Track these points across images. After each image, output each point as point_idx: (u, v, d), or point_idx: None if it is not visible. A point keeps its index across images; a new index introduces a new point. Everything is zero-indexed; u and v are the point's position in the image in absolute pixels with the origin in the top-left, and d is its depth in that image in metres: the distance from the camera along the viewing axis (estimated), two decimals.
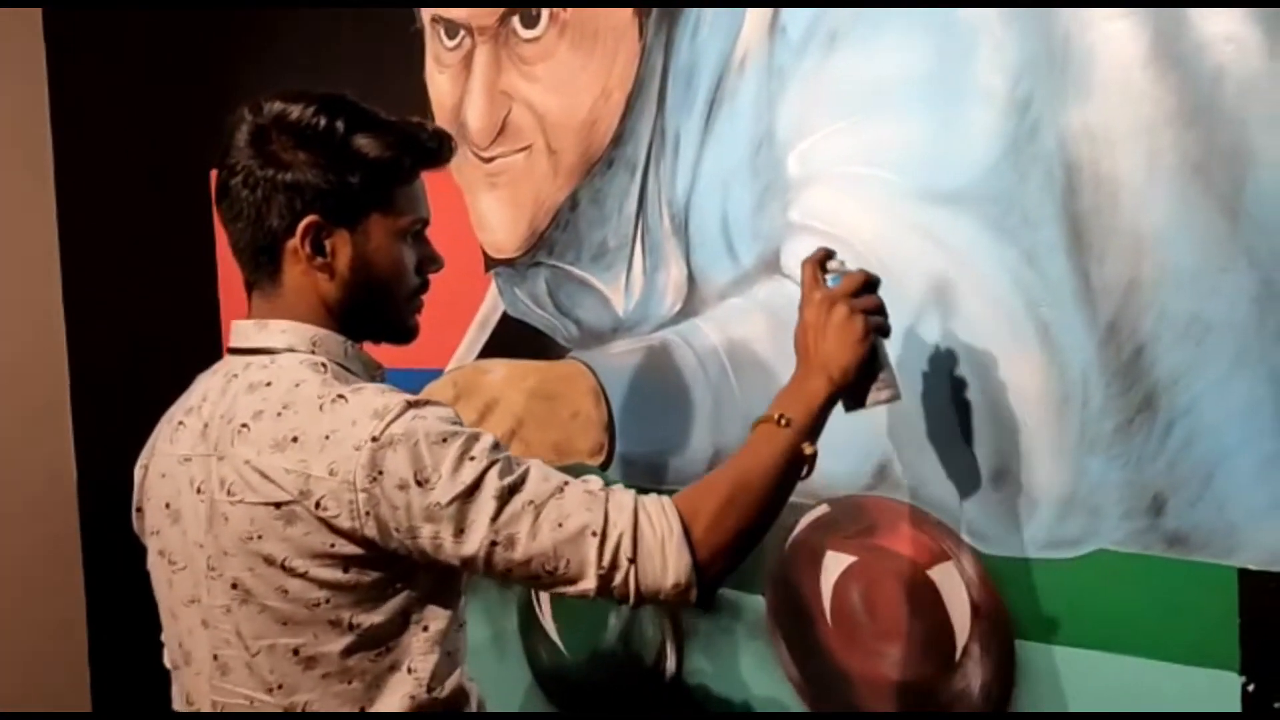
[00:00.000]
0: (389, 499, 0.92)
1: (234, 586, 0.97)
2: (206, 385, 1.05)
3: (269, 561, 0.95)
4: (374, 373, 1.06)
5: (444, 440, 0.93)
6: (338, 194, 0.99)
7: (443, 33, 1.56)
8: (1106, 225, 1.04)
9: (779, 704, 1.32)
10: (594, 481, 0.97)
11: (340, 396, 0.95)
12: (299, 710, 0.98)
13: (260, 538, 0.95)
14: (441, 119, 1.59)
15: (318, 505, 0.93)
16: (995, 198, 1.10)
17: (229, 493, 0.97)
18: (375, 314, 1.05)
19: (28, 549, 2.24)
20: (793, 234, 1.26)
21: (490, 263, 1.57)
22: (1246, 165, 0.96)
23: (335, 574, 0.95)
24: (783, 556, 1.30)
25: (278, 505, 0.94)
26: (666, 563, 0.94)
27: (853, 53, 1.19)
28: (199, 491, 1.00)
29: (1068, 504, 1.08)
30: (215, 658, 1.01)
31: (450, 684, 1.01)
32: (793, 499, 1.27)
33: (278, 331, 1.02)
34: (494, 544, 0.92)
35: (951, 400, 1.16)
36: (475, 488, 0.92)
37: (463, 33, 1.53)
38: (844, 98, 1.20)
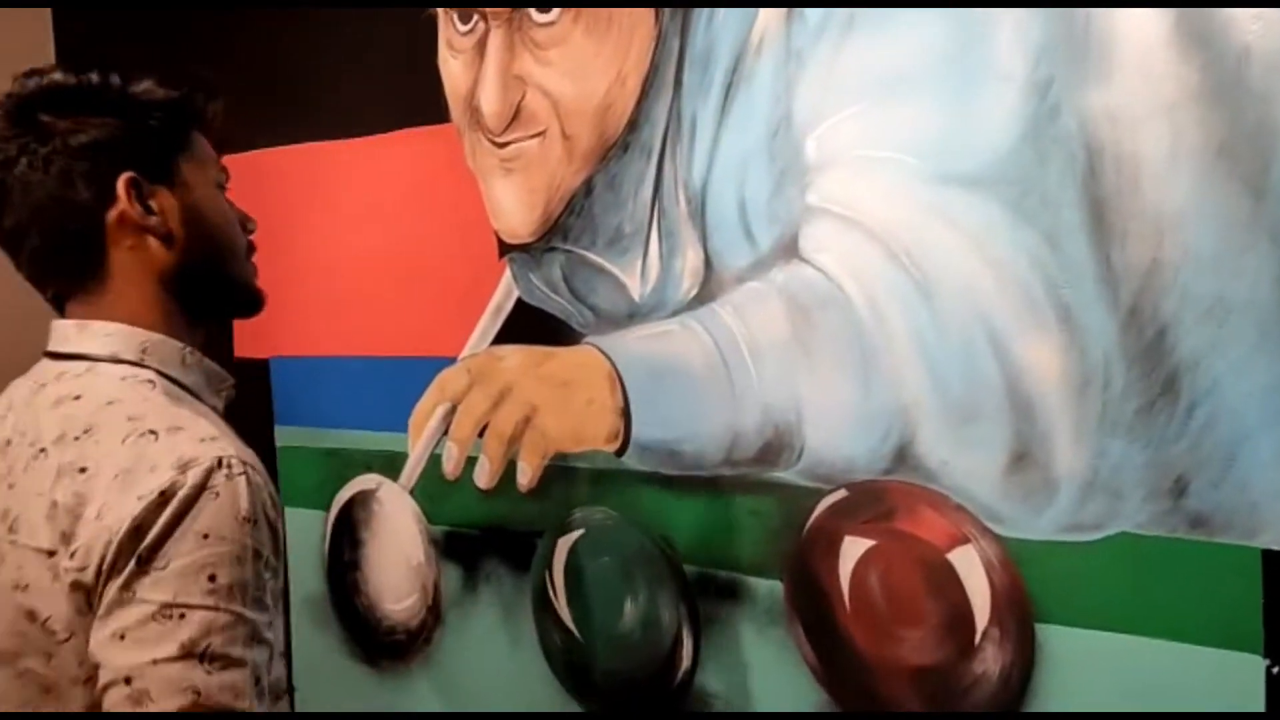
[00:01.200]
0: (128, 552, 0.77)
1: (29, 617, 0.83)
2: (12, 395, 0.93)
3: (30, 618, 0.81)
4: (220, 386, 0.96)
5: (240, 558, 0.77)
6: (143, 143, 0.89)
7: (456, 18, 1.55)
8: (1128, 207, 1.04)
9: (796, 689, 1.32)
10: None
11: (151, 432, 0.82)
12: None
13: (27, 589, 0.81)
14: (455, 105, 1.58)
15: (72, 555, 0.79)
16: (1014, 180, 1.10)
17: (10, 529, 0.84)
18: (218, 277, 0.95)
19: None
20: (811, 217, 1.25)
21: (504, 249, 1.57)
22: (1273, 145, 0.96)
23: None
24: (801, 541, 1.30)
25: (51, 553, 0.80)
26: None
27: (870, 35, 1.19)
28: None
29: (1089, 486, 1.08)
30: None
31: None
32: (810, 484, 1.29)
33: (101, 335, 0.88)
34: (116, 685, 0.75)
35: (970, 383, 1.15)
36: (201, 634, 0.75)
37: (476, 18, 1.52)
38: (862, 81, 1.20)
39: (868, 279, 1.22)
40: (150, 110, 0.92)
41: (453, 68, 1.58)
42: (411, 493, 1.66)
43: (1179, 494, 1.03)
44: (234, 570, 0.77)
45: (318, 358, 1.79)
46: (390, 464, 1.68)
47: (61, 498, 0.80)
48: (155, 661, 0.74)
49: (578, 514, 1.54)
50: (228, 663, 0.76)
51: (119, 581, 0.76)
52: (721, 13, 1.31)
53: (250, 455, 0.85)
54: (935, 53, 1.14)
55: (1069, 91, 1.06)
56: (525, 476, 1.57)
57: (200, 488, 0.78)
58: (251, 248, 1.01)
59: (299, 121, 1.78)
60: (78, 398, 0.85)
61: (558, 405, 1.51)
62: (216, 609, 0.76)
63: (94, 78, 0.90)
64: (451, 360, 1.62)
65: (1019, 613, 1.14)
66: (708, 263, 1.36)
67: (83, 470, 0.80)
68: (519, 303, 1.57)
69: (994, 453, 1.14)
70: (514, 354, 1.57)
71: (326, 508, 1.78)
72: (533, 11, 1.46)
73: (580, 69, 1.43)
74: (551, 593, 1.56)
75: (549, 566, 1.56)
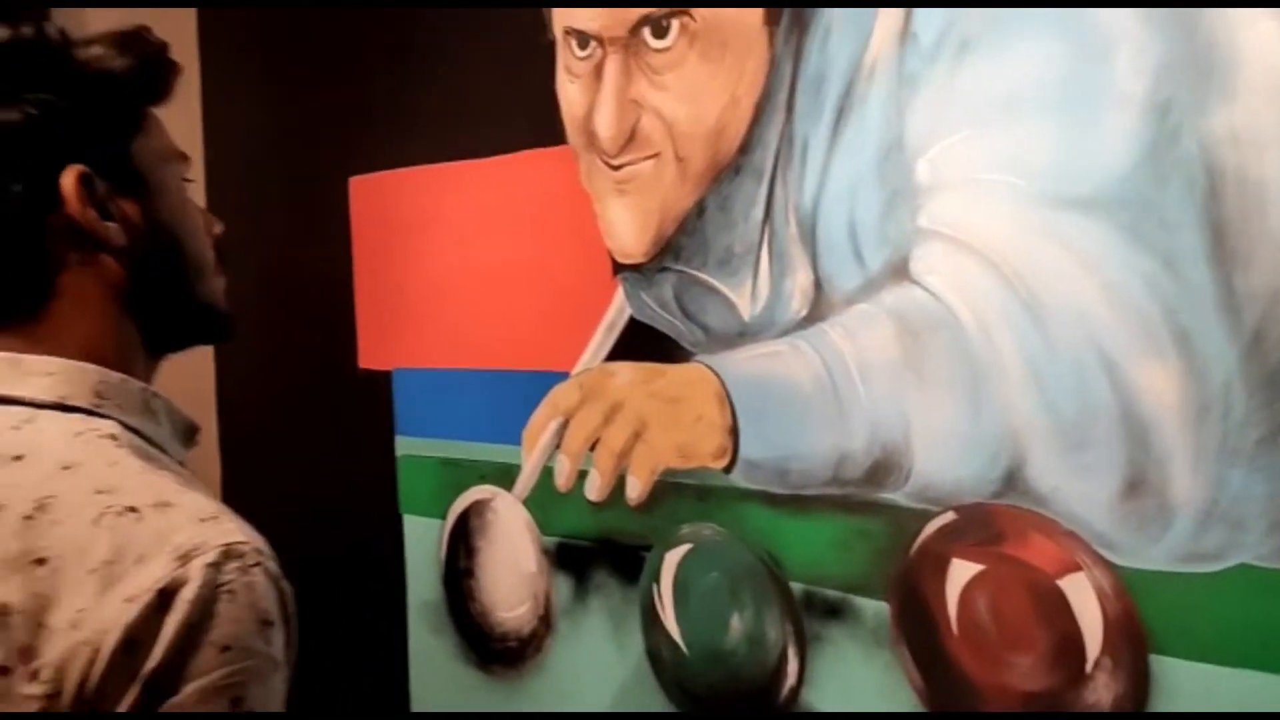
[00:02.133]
0: (123, 672, 0.60)
1: None
2: None
3: None
4: (190, 434, 0.78)
5: (234, 651, 0.61)
6: (96, 125, 0.71)
7: (574, 44, 1.60)
8: (1252, 231, 1.01)
9: (902, 710, 1.32)
10: None
11: (131, 510, 0.63)
12: None
13: None
14: (572, 128, 1.63)
15: (34, 676, 0.60)
16: (1131, 203, 1.08)
17: None
18: (187, 299, 0.78)
19: None
20: (921, 239, 1.26)
21: (617, 267, 1.61)
22: None
23: None
24: (908, 563, 1.30)
25: (2, 670, 0.60)
26: None
27: (985, 59, 1.19)
28: None
29: (1208, 516, 1.06)
30: None
31: None
32: (918, 506, 1.29)
33: (40, 374, 0.68)
34: None
35: (1083, 407, 1.14)
36: None
37: (594, 43, 1.57)
38: (975, 104, 1.20)
39: (978, 301, 1.21)
40: (104, 83, 0.72)
41: (570, 92, 1.63)
42: (525, 503, 1.71)
43: None
44: (258, 690, 0.62)
45: (438, 370, 1.85)
46: (505, 475, 1.73)
47: (14, 598, 0.60)
48: None
49: (686, 529, 1.56)
50: None
51: (121, 708, 0.60)
52: (835, 37, 1.32)
53: (257, 537, 0.67)
54: (1051, 75, 1.13)
55: (1190, 113, 1.04)
56: (635, 491, 1.60)
57: (212, 586, 0.62)
58: (219, 255, 0.83)
59: (423, 144, 1.85)
60: (19, 458, 0.64)
61: (667, 422, 1.54)
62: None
63: (29, 30, 0.69)
64: (565, 375, 1.66)
65: (1133, 643, 1.12)
66: (817, 284, 1.37)
67: (40, 562, 0.61)
68: (631, 320, 1.60)
69: (1107, 479, 1.12)
70: (625, 370, 1.60)
71: (443, 516, 1.84)
72: (649, 37, 1.49)
73: (695, 93, 1.46)
74: (659, 606, 1.59)
75: (657, 580, 1.59)
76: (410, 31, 1.88)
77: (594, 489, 1.63)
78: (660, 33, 1.48)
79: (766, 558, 1.46)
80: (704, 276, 1.50)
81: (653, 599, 1.60)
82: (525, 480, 1.69)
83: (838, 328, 1.36)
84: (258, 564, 0.64)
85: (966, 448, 1.24)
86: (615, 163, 1.57)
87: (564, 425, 1.60)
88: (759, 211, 1.42)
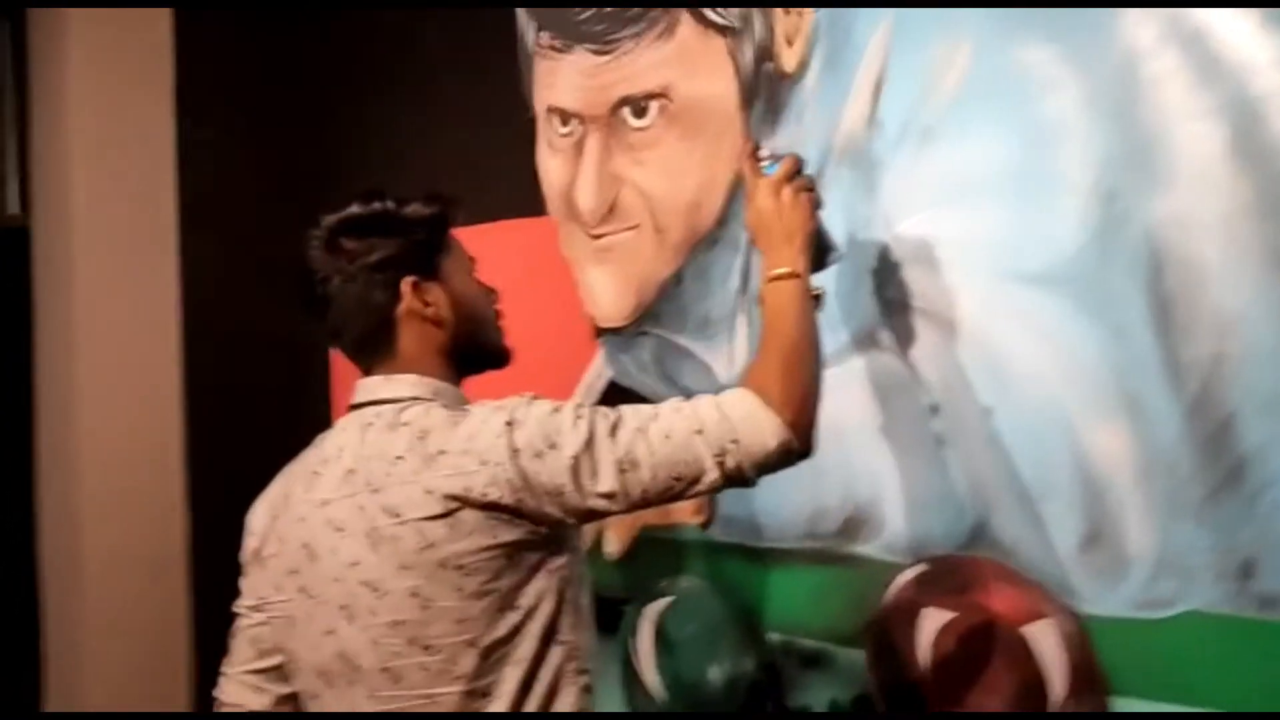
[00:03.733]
0: (533, 469, 1.08)
1: (413, 595, 1.10)
2: (340, 440, 1.18)
3: (443, 565, 1.09)
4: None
5: (556, 410, 1.11)
6: (416, 253, 1.18)
7: (556, 121, 1.68)
8: (1192, 305, 1.11)
9: None
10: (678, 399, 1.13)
11: (464, 409, 1.14)
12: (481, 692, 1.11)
13: (433, 546, 1.09)
14: (552, 199, 1.71)
15: (482, 494, 1.07)
16: (1081, 278, 1.18)
17: (395, 515, 1.10)
18: (480, 342, 1.23)
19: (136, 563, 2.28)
20: (889, 310, 1.35)
21: (597, 331, 1.68)
22: None
23: (501, 562, 1.09)
24: (883, 611, 1.37)
25: (445, 514, 1.08)
26: (762, 431, 1.08)
27: (945, 145, 1.29)
28: (338, 530, 1.13)
29: (1159, 565, 1.14)
30: (385, 670, 1.12)
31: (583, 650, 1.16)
32: (890, 558, 1.36)
33: (405, 385, 1.17)
34: (623, 471, 1.08)
35: (1043, 465, 1.23)
36: (591, 436, 1.08)
37: (575, 121, 1.65)
38: (937, 187, 1.30)
39: (942, 368, 1.30)
40: (419, 226, 1.19)
41: (550, 165, 1.70)
42: None
43: (1247, 575, 1.09)
44: (577, 407, 1.12)
45: None
46: None
47: (436, 475, 1.09)
48: (614, 450, 1.09)
49: (664, 583, 1.61)
50: (621, 415, 1.12)
51: (559, 469, 1.08)
52: (808, 118, 1.42)
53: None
54: (1006, 163, 1.23)
55: (1134, 200, 1.14)
56: (613, 546, 1.66)
57: (526, 404, 1.13)
58: (499, 312, 1.27)
59: None
60: (406, 424, 1.13)
61: None
62: (596, 415, 1.11)
63: (377, 205, 1.19)
64: None
65: (1094, 685, 1.20)
66: None
67: (442, 453, 1.10)
68: (611, 382, 1.67)
69: (1067, 531, 1.21)
70: None
71: None
72: (629, 117, 1.58)
73: (673, 169, 1.55)
74: (637, 659, 1.64)
75: (636, 632, 1.64)
76: (394, 105, 1.95)
77: None
78: (640, 113, 1.57)
79: (743, 609, 1.52)
80: (682, 341, 1.58)
81: (630, 650, 1.64)
82: None
83: None
84: (534, 399, 1.14)
85: (935, 503, 1.32)
86: (595, 232, 1.64)
87: None
88: (735, 280, 1.51)
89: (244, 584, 1.25)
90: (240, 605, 1.24)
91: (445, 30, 1.89)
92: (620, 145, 1.60)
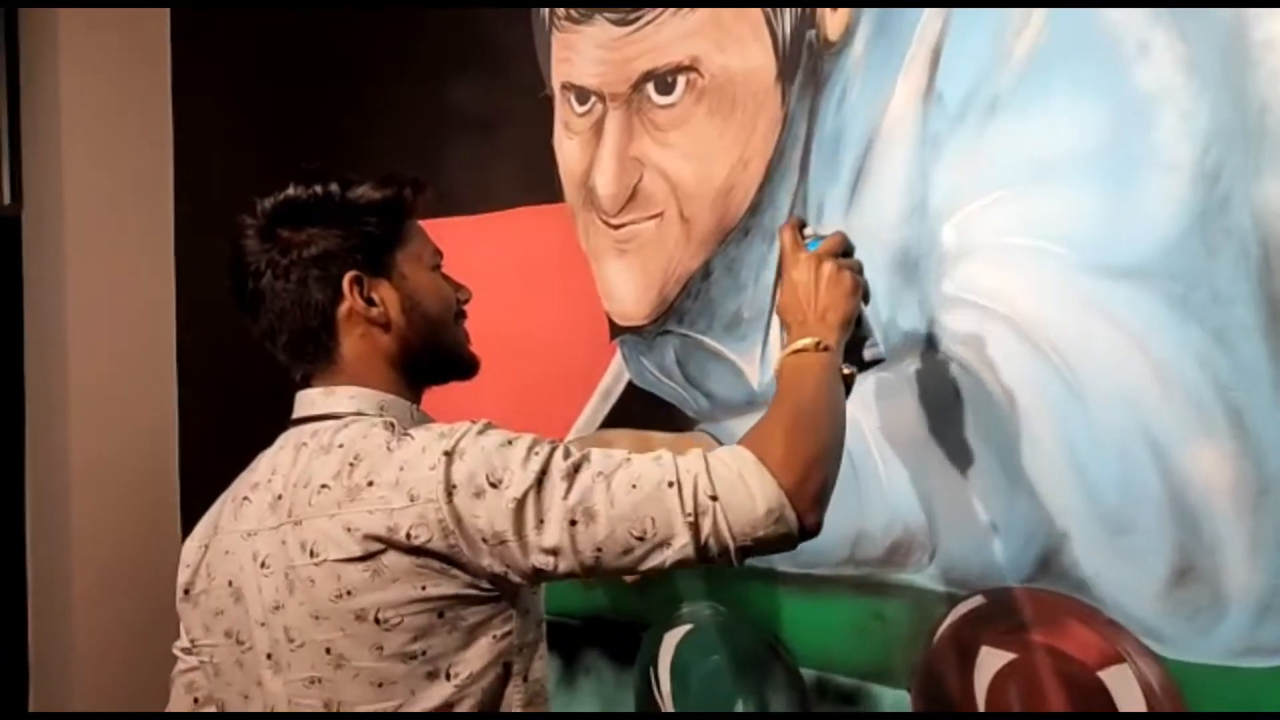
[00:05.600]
0: (470, 510, 0.93)
1: (327, 652, 0.96)
2: (274, 460, 1.06)
3: (360, 618, 0.95)
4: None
5: (509, 443, 0.95)
6: (362, 245, 1.04)
7: (573, 99, 1.55)
8: None
9: None
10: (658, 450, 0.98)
11: (406, 434, 0.99)
12: None
13: (350, 594, 0.95)
14: (569, 185, 1.57)
15: (408, 536, 0.93)
16: (1179, 274, 1.03)
17: (311, 554, 0.97)
18: (436, 351, 1.08)
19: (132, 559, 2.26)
20: (947, 306, 1.20)
21: (615, 330, 1.54)
22: None
23: (430, 619, 0.95)
24: (931, 650, 1.23)
25: (366, 557, 0.94)
26: (751, 491, 0.91)
27: (1015, 120, 1.14)
28: (263, 566, 1.01)
29: (1266, 608, 1.00)
30: None
31: None
32: (944, 589, 1.22)
33: (345, 398, 1.04)
34: (573, 522, 0.91)
35: (1127, 489, 1.08)
36: (543, 474, 0.93)
37: (594, 99, 1.52)
38: (1006, 167, 1.15)
39: (1010, 374, 1.16)
40: (368, 213, 1.05)
41: (568, 148, 1.57)
42: None
43: None
44: (535, 441, 0.97)
45: None
46: None
47: (359, 511, 0.95)
48: (567, 495, 0.94)
49: (686, 609, 1.48)
50: (587, 455, 0.99)
51: (499, 512, 0.93)
52: (854, 95, 1.28)
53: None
54: (1088, 139, 1.09)
55: (1241, 182, 0.99)
56: None
57: (474, 434, 0.97)
58: (461, 314, 1.12)
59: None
60: (341, 445, 0.99)
61: None
62: (554, 450, 0.97)
63: (318, 189, 1.04)
64: None
65: None
66: None
67: (370, 484, 0.96)
68: (630, 386, 1.54)
69: (1154, 566, 1.06)
70: (622, 439, 1.52)
71: None
72: (653, 93, 1.44)
73: (701, 151, 1.41)
74: (656, 690, 1.50)
75: (654, 662, 1.51)
76: (402, 81, 1.83)
77: None
78: (665, 89, 1.43)
79: (774, 641, 1.38)
80: (710, 341, 1.44)
81: (650, 682, 1.51)
82: None
83: (854, 398, 1.28)
84: (488, 426, 0.99)
85: (997, 528, 1.17)
86: (615, 221, 1.51)
87: None
88: (770, 274, 1.36)
89: (182, 622, 1.12)
90: (176, 647, 1.13)
91: (455, 5, 1.76)
92: (643, 125, 1.47)
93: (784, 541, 0.94)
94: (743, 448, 0.95)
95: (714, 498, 0.91)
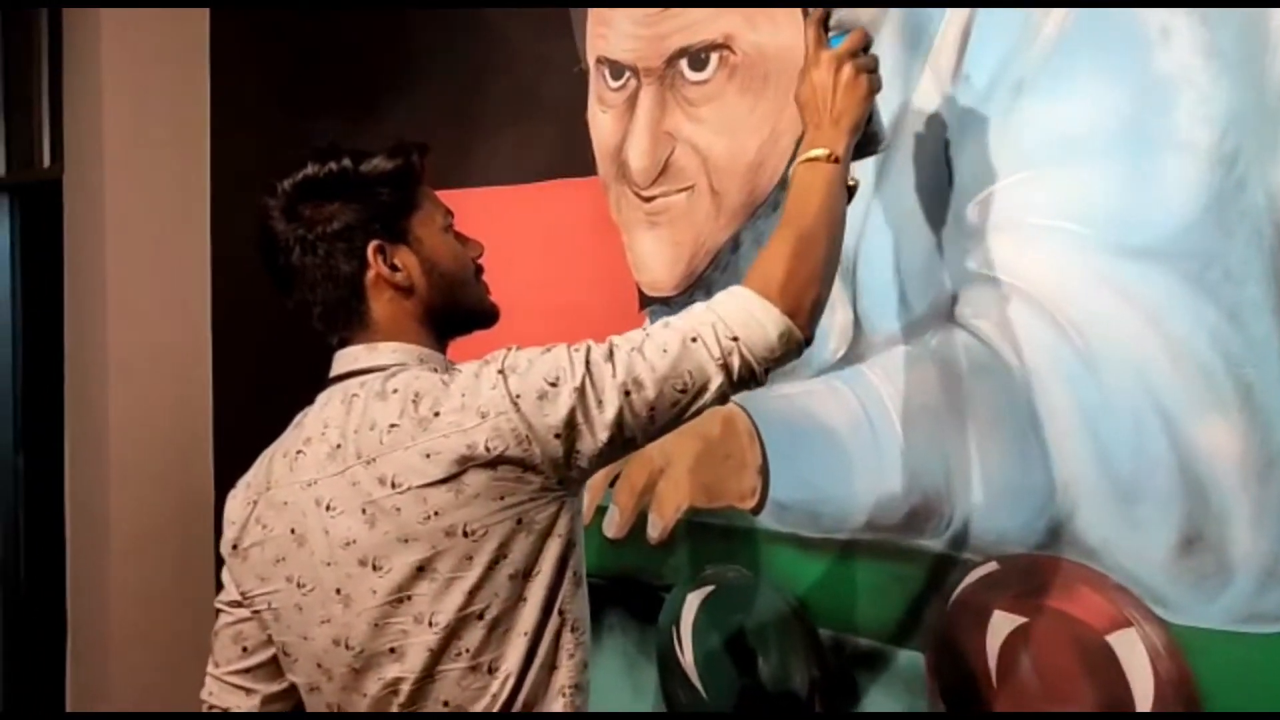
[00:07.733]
0: (539, 412, 1.02)
1: (419, 570, 1.04)
2: (322, 415, 1.12)
3: (450, 534, 1.03)
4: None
5: (547, 350, 1.06)
6: (380, 215, 1.11)
7: (608, 73, 1.58)
8: None
9: None
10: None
11: (452, 369, 1.10)
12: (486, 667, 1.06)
13: (438, 514, 1.03)
14: (602, 158, 1.60)
15: (486, 449, 1.02)
16: (1195, 253, 1.06)
17: (393, 485, 1.04)
18: (458, 305, 1.16)
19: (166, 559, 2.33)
20: (970, 282, 1.23)
21: (645, 301, 1.58)
22: None
23: (511, 526, 1.04)
24: (946, 613, 1.27)
25: (449, 479, 1.03)
26: (761, 321, 1.04)
27: (1041, 101, 1.17)
28: (328, 509, 1.08)
29: (1270, 575, 1.03)
30: (390, 651, 1.07)
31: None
32: (959, 554, 1.26)
33: (388, 351, 1.12)
34: (627, 393, 1.03)
35: (1138, 460, 1.11)
36: (588, 364, 1.04)
37: (628, 74, 1.55)
38: (1030, 147, 1.18)
39: (1029, 349, 1.19)
40: (381, 184, 1.12)
41: (602, 122, 1.60)
42: None
43: None
44: (565, 345, 1.06)
45: None
46: None
47: (434, 438, 1.03)
48: (615, 374, 1.04)
49: (709, 570, 1.52)
50: (612, 342, 1.07)
51: (564, 405, 1.02)
52: (884, 71, 1.30)
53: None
54: (1110, 121, 1.11)
55: (1258, 165, 1.02)
56: (656, 529, 1.56)
57: (514, 352, 1.07)
58: (479, 269, 1.19)
59: (445, 168, 1.81)
60: (395, 391, 1.07)
61: (694, 460, 1.51)
62: (588, 347, 1.06)
63: (334, 166, 1.11)
64: None
65: (1186, 705, 1.09)
66: (856, 323, 1.35)
67: (437, 414, 1.04)
68: None
69: (1162, 534, 1.10)
70: None
71: None
72: (686, 69, 1.47)
73: (732, 126, 1.44)
74: (678, 648, 1.55)
75: (677, 621, 1.55)
76: (434, 51, 1.86)
77: (612, 525, 1.59)
78: (698, 65, 1.46)
79: (794, 602, 1.42)
80: None
81: (672, 641, 1.55)
82: None
83: (877, 369, 1.33)
84: (517, 348, 1.08)
85: (1012, 497, 1.21)
86: (646, 194, 1.54)
87: None
88: None
89: (225, 577, 1.17)
90: (220, 601, 1.17)
91: None
92: (676, 100, 1.50)
93: (796, 353, 1.08)
94: (740, 287, 1.07)
95: (734, 338, 1.04)
